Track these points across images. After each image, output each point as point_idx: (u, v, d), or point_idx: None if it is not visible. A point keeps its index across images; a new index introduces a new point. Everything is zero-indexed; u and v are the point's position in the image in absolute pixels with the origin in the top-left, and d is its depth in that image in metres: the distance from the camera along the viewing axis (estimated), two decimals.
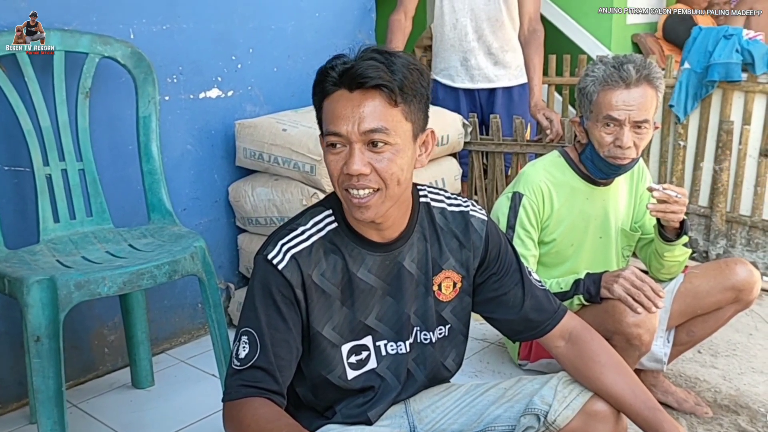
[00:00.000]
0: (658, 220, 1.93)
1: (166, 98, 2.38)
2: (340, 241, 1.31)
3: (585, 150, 1.98)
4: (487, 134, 2.87)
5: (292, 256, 1.27)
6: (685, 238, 1.94)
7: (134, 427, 2.06)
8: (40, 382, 1.64)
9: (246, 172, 2.61)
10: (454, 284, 1.40)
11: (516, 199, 2.00)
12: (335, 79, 1.21)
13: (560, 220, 2.02)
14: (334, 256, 1.31)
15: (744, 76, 2.96)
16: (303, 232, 1.30)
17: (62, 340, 1.67)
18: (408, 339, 1.38)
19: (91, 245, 1.92)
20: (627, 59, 1.85)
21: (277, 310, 1.26)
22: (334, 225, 1.32)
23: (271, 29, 2.68)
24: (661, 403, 1.85)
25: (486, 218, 1.43)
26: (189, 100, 2.46)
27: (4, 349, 2.10)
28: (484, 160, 2.92)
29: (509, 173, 2.88)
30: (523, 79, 2.96)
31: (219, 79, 2.54)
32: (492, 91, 3.03)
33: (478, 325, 2.26)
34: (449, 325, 1.43)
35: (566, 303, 1.80)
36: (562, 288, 1.90)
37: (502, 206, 2.04)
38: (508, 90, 3.03)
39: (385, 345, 1.37)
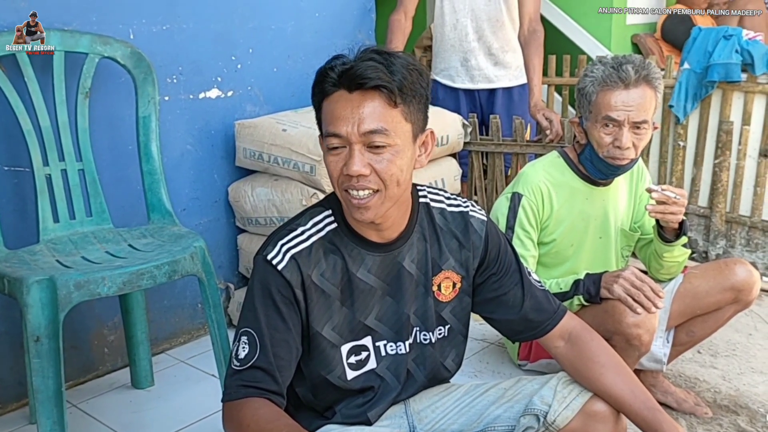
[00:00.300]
0: (657, 220, 1.93)
1: (166, 98, 2.38)
2: (340, 241, 1.31)
3: (584, 150, 1.98)
4: (487, 134, 2.87)
5: (292, 257, 1.27)
6: (684, 239, 1.95)
7: (134, 427, 2.06)
8: (40, 382, 1.64)
9: (246, 173, 2.61)
10: (454, 284, 1.40)
11: (515, 199, 2.00)
12: (334, 80, 1.21)
13: (560, 221, 2.02)
14: (334, 257, 1.31)
15: (744, 76, 2.96)
16: (303, 233, 1.30)
17: (62, 340, 1.67)
18: (407, 339, 1.38)
19: (91, 245, 1.92)
20: (626, 60, 1.85)
21: (277, 310, 1.26)
22: (334, 225, 1.32)
23: (270, 29, 2.68)
24: (661, 404, 1.86)
25: (486, 218, 1.43)
26: (189, 100, 2.46)
27: (4, 349, 2.10)
28: (484, 161, 2.92)
29: (509, 174, 2.88)
30: (523, 80, 2.95)
31: (219, 79, 2.54)
32: (492, 92, 3.03)
33: (478, 325, 2.26)
34: (449, 326, 1.43)
35: (566, 303, 1.80)
36: (561, 288, 1.90)
37: (501, 206, 2.04)
38: (508, 90, 3.03)
39: (385, 345, 1.37)
